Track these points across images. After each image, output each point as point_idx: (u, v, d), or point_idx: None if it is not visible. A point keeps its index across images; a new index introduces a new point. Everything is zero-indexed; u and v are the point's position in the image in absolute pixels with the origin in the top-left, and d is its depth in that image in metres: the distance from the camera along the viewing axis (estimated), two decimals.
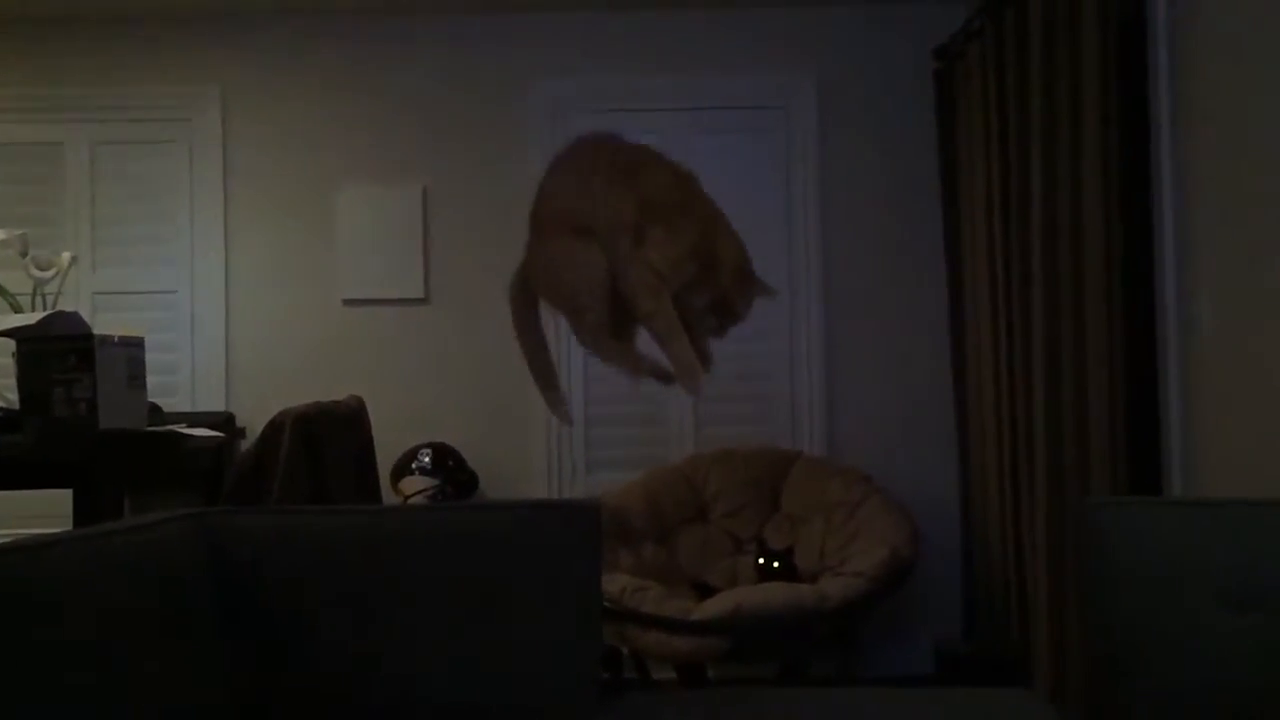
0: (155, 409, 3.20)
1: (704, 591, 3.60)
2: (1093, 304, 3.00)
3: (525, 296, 2.20)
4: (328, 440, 2.90)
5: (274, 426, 2.75)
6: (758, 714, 1.91)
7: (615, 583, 3.41)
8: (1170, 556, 1.99)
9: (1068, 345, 3.09)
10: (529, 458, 4.28)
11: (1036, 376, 3.21)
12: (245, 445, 3.86)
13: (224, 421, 3.89)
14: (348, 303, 4.30)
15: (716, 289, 1.91)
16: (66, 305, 3.11)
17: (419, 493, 3.87)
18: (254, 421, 3.66)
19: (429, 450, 3.98)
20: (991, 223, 3.62)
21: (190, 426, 3.07)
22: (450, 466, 3.98)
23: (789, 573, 3.59)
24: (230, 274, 4.31)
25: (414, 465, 3.94)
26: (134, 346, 2.70)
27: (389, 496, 3.90)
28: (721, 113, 4.33)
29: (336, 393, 3.60)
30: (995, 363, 3.63)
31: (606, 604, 3.24)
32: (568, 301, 2.08)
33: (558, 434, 4.28)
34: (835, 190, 4.31)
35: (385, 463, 3.83)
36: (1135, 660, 1.97)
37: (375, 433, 3.51)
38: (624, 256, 1.95)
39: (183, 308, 4.31)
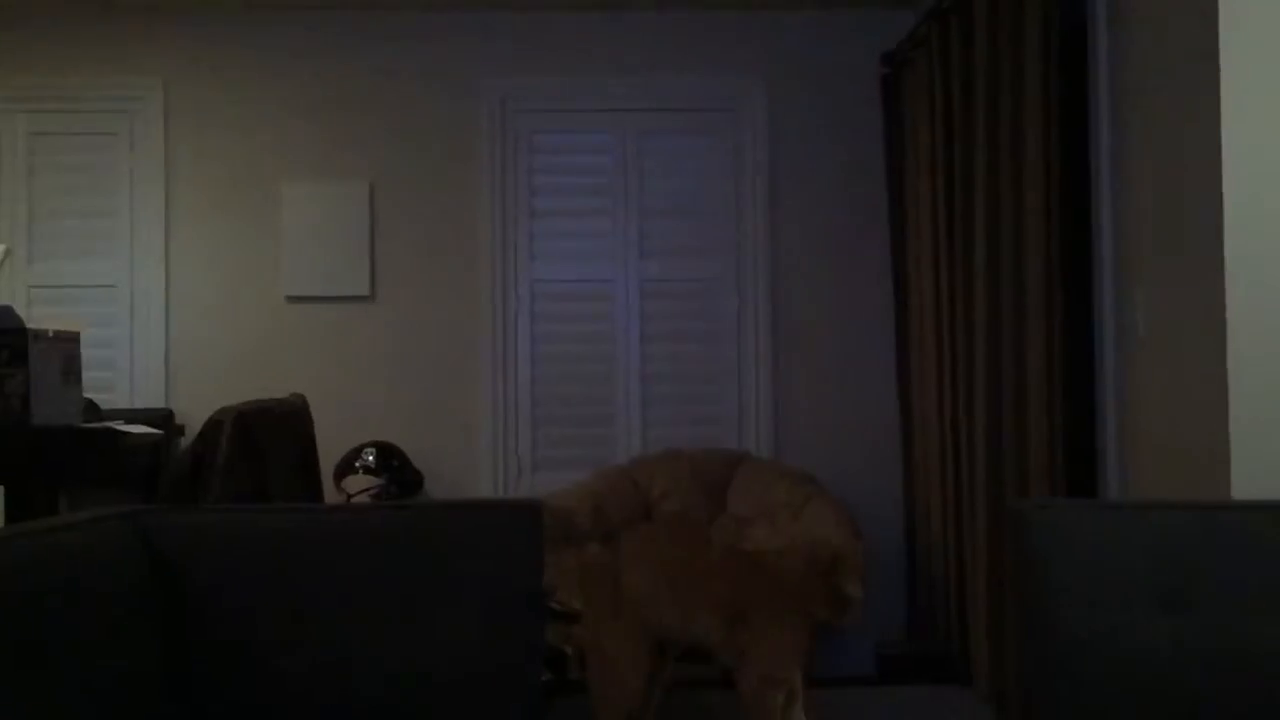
0: (91, 405, 3.14)
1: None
2: (1033, 310, 3.05)
3: None
4: (269, 438, 2.86)
5: (213, 424, 2.71)
6: (700, 713, 1.91)
7: (559, 583, 3.39)
8: (1103, 558, 2.03)
9: (1008, 350, 3.14)
10: (474, 457, 4.26)
11: (978, 381, 3.25)
12: (185, 443, 3.80)
13: (163, 419, 3.83)
14: (291, 299, 4.25)
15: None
16: (0, 299, 3.04)
17: (362, 492, 3.83)
18: (194, 419, 3.60)
19: (373, 449, 3.95)
20: (936, 228, 3.66)
21: (127, 423, 3.02)
22: (394, 465, 3.95)
23: None
24: (171, 269, 4.24)
25: (357, 464, 3.91)
26: (69, 342, 2.65)
27: (332, 495, 3.86)
28: (671, 114, 4.34)
29: (279, 390, 3.57)
30: (938, 367, 3.67)
31: (551, 604, 3.22)
32: None
33: (503, 433, 4.26)
34: (784, 193, 4.33)
35: (328, 462, 3.79)
36: (1068, 659, 2.00)
37: (318, 431, 3.47)
38: None
39: (122, 302, 4.23)
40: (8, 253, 3.22)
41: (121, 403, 4.07)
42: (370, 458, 3.93)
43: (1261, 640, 1.96)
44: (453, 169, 4.28)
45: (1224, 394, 2.36)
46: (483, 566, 2.06)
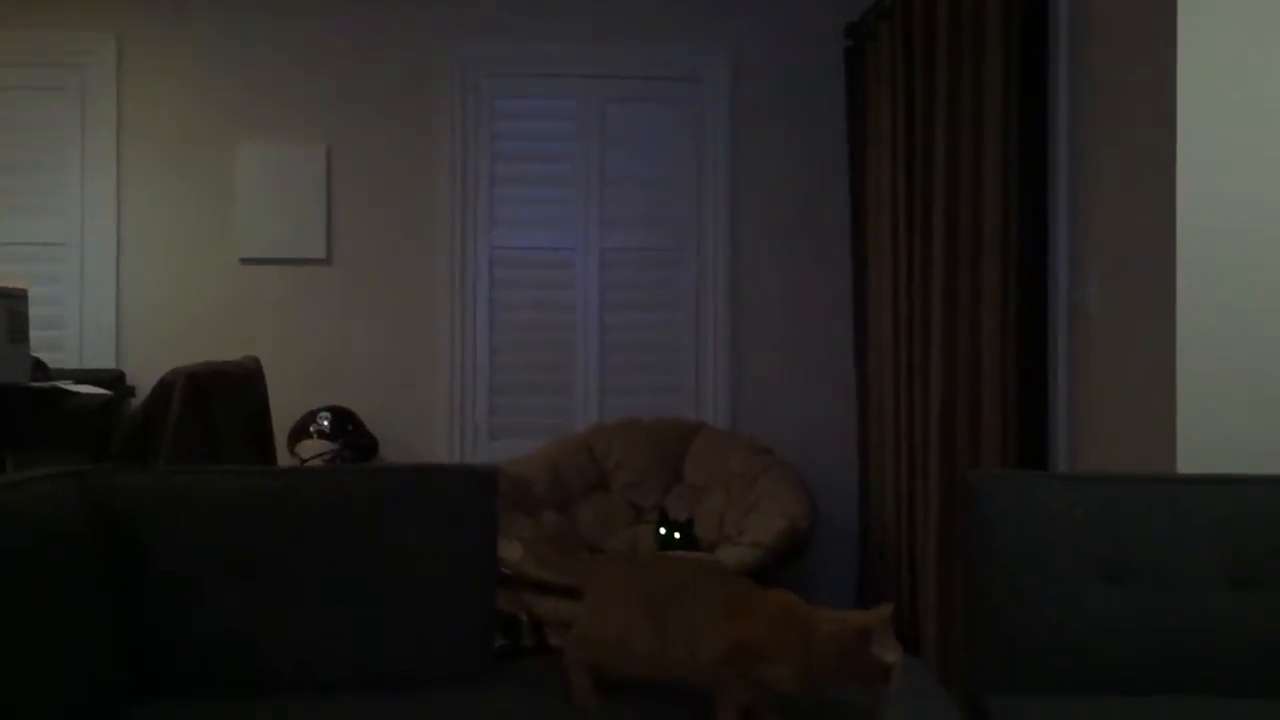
0: (39, 365, 3.09)
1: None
2: (988, 285, 3.08)
3: None
4: (221, 401, 2.83)
5: (164, 385, 2.68)
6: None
7: (514, 550, 3.40)
8: (1050, 528, 2.06)
9: (963, 324, 3.17)
10: (431, 423, 4.24)
11: (933, 353, 3.28)
12: (135, 404, 3.75)
13: (113, 379, 3.77)
14: (246, 261, 4.20)
15: None
16: None
17: (317, 456, 3.81)
18: (145, 380, 3.55)
19: (328, 413, 3.92)
20: (896, 202, 3.68)
21: (76, 384, 2.97)
22: (349, 430, 3.93)
23: (689, 543, 3.62)
24: (123, 227, 4.17)
25: (312, 428, 3.88)
26: (16, 299, 2.60)
27: (285, 460, 3.83)
28: (634, 82, 4.32)
29: (233, 353, 3.52)
30: (895, 339, 3.70)
31: (505, 571, 3.23)
32: None
33: (460, 400, 4.25)
34: (745, 164, 4.33)
35: (282, 426, 3.76)
36: (1013, 627, 2.04)
37: (272, 395, 3.44)
38: None
39: (71, 261, 4.16)
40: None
41: (71, 363, 4.01)
42: (325, 422, 3.90)
43: (1198, 608, 2.00)
44: (412, 134, 4.23)
45: (1171, 371, 2.39)
46: (438, 531, 2.06)
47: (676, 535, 3.62)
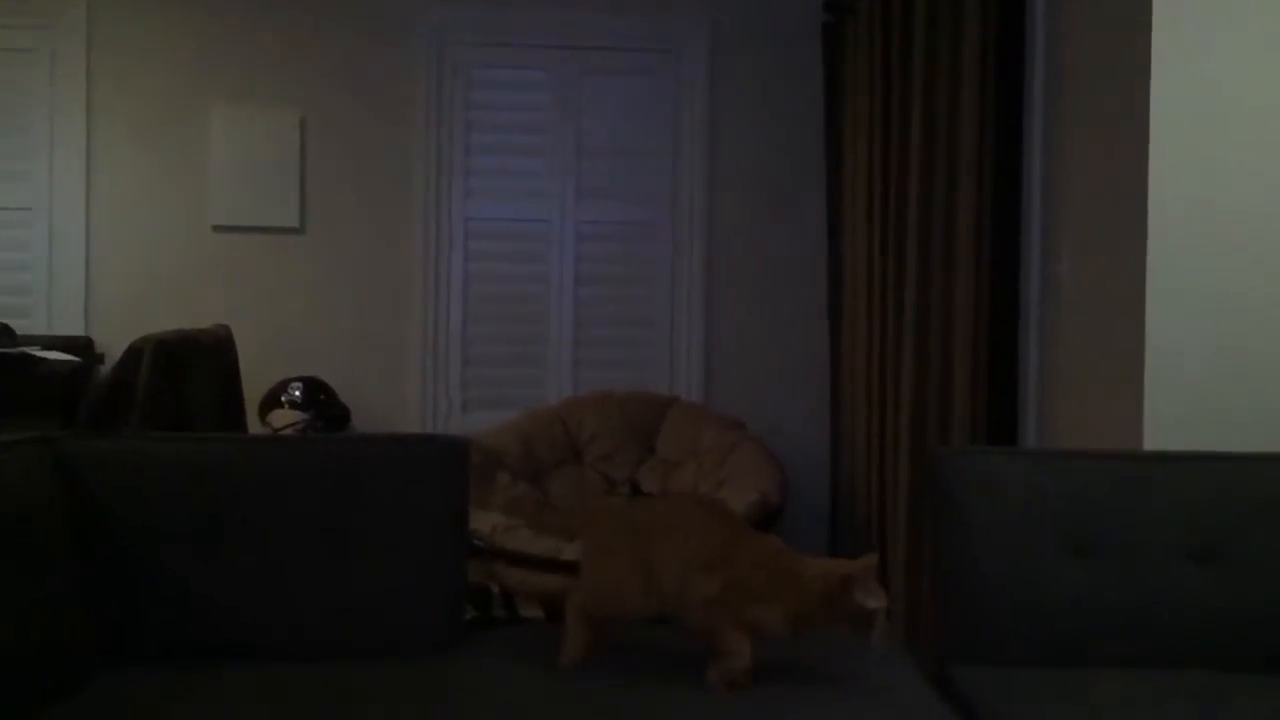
0: (6, 330, 3.06)
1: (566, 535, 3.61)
2: (963, 261, 3.09)
3: None
4: (191, 368, 2.82)
5: (133, 352, 2.66)
6: (617, 649, 1.94)
7: (486, 521, 3.41)
8: (1018, 504, 2.08)
9: (937, 300, 3.18)
10: (403, 395, 4.23)
11: (906, 329, 3.29)
12: (105, 371, 3.72)
13: (82, 346, 3.74)
14: (218, 229, 4.16)
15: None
16: None
17: (288, 426, 3.79)
18: (115, 347, 3.52)
19: (300, 383, 3.90)
20: (871, 178, 3.68)
21: (45, 350, 2.95)
22: (321, 401, 3.91)
23: None
24: (92, 192, 4.12)
25: (284, 398, 3.85)
26: None
27: (256, 429, 3.81)
28: (610, 54, 4.30)
29: (203, 321, 3.50)
30: (868, 314, 3.71)
31: (477, 542, 3.23)
32: None
33: (433, 371, 4.23)
34: (721, 138, 4.32)
35: (254, 396, 3.74)
36: (980, 601, 2.06)
37: (244, 364, 3.43)
38: None
39: (39, 226, 4.11)
40: None
41: (39, 329, 3.96)
42: (297, 392, 3.88)
43: (1161, 583, 2.03)
44: (387, 103, 4.20)
45: (1140, 349, 2.42)
46: (408, 501, 2.06)
47: None
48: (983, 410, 3.09)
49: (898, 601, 3.32)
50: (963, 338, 3.09)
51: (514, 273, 4.29)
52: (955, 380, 3.12)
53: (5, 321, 3.30)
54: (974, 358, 3.08)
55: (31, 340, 3.33)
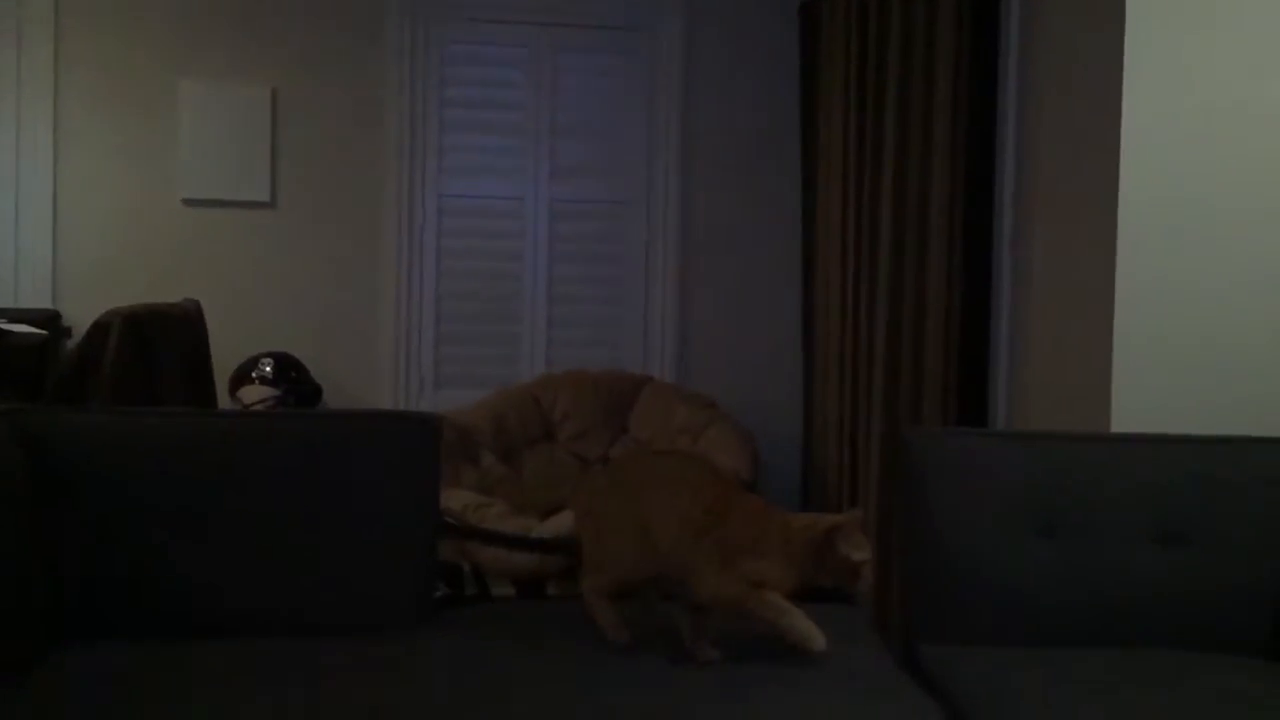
0: None
1: (547, 511, 3.62)
2: (935, 243, 3.11)
3: None
4: (160, 343, 2.79)
5: (100, 327, 2.63)
6: (580, 622, 1.95)
7: (458, 499, 3.40)
8: (986, 485, 2.10)
9: (910, 282, 3.20)
10: (376, 372, 4.21)
11: (878, 310, 3.31)
12: (72, 345, 3.68)
13: (49, 319, 3.70)
14: (188, 202, 4.11)
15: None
16: None
17: (259, 402, 3.76)
18: (83, 321, 3.47)
19: (270, 359, 3.87)
20: (846, 159, 3.68)
21: (11, 323, 2.91)
22: (292, 377, 3.88)
23: None
24: (60, 164, 4.06)
25: (254, 374, 3.83)
26: None
27: (226, 405, 3.79)
28: (585, 31, 4.27)
29: (172, 296, 3.47)
30: (842, 296, 3.72)
31: (449, 520, 3.23)
32: None
33: (406, 348, 4.21)
34: (696, 116, 4.31)
35: (224, 371, 3.72)
36: (949, 581, 2.08)
37: (214, 340, 3.40)
38: None
39: (6, 199, 4.04)
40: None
41: (5, 302, 3.91)
42: (268, 368, 3.85)
43: (1126, 564, 2.06)
44: (360, 77, 4.16)
45: (1109, 333, 2.44)
46: (379, 477, 2.05)
47: None
48: (954, 391, 3.11)
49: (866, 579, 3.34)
50: (935, 319, 3.11)
51: (487, 250, 4.27)
52: (927, 362, 3.14)
53: None
54: (945, 339, 3.10)
55: None
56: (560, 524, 3.31)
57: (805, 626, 1.77)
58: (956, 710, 1.76)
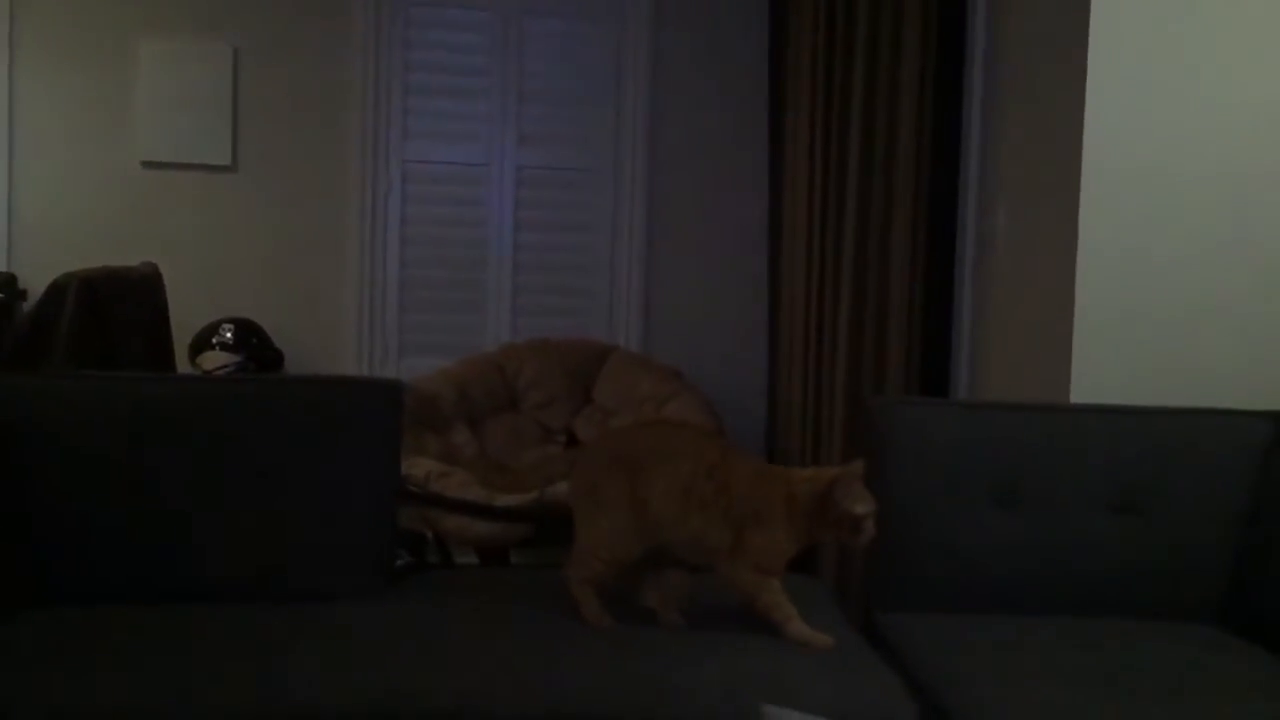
0: None
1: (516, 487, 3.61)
2: (900, 215, 3.12)
3: None
4: (117, 306, 2.75)
5: (56, 289, 2.59)
6: (540, 590, 1.95)
7: (420, 467, 3.39)
8: (946, 455, 2.12)
9: (874, 253, 3.21)
10: (339, 339, 4.17)
11: (844, 281, 3.32)
12: (27, 308, 3.62)
13: (4, 282, 3.63)
14: (147, 165, 4.04)
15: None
16: None
17: (220, 369, 3.72)
18: (38, 284, 3.42)
19: (231, 325, 3.82)
20: (813, 131, 3.67)
21: None
22: (254, 343, 3.84)
23: None
24: (15, 126, 3.98)
25: (214, 340, 3.78)
26: None
27: (187, 372, 3.74)
28: None
29: (131, 259, 3.41)
30: (807, 266, 3.72)
31: (411, 488, 3.22)
32: None
33: (370, 316, 4.18)
34: (664, 84, 4.28)
35: (183, 337, 3.67)
36: (909, 550, 2.09)
37: (174, 305, 3.35)
38: None
39: None
40: None
41: None
42: (228, 334, 3.81)
43: (1082, 532, 2.08)
44: (323, 38, 4.09)
45: (1070, 305, 2.46)
46: (340, 444, 2.04)
47: None
48: (916, 362, 3.13)
49: (828, 550, 3.37)
50: (899, 291, 3.12)
51: (453, 216, 4.23)
52: (890, 332, 3.16)
53: None
54: (909, 311, 3.11)
55: None
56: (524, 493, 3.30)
57: (806, 633, 1.78)
58: (913, 678, 1.78)
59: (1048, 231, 2.60)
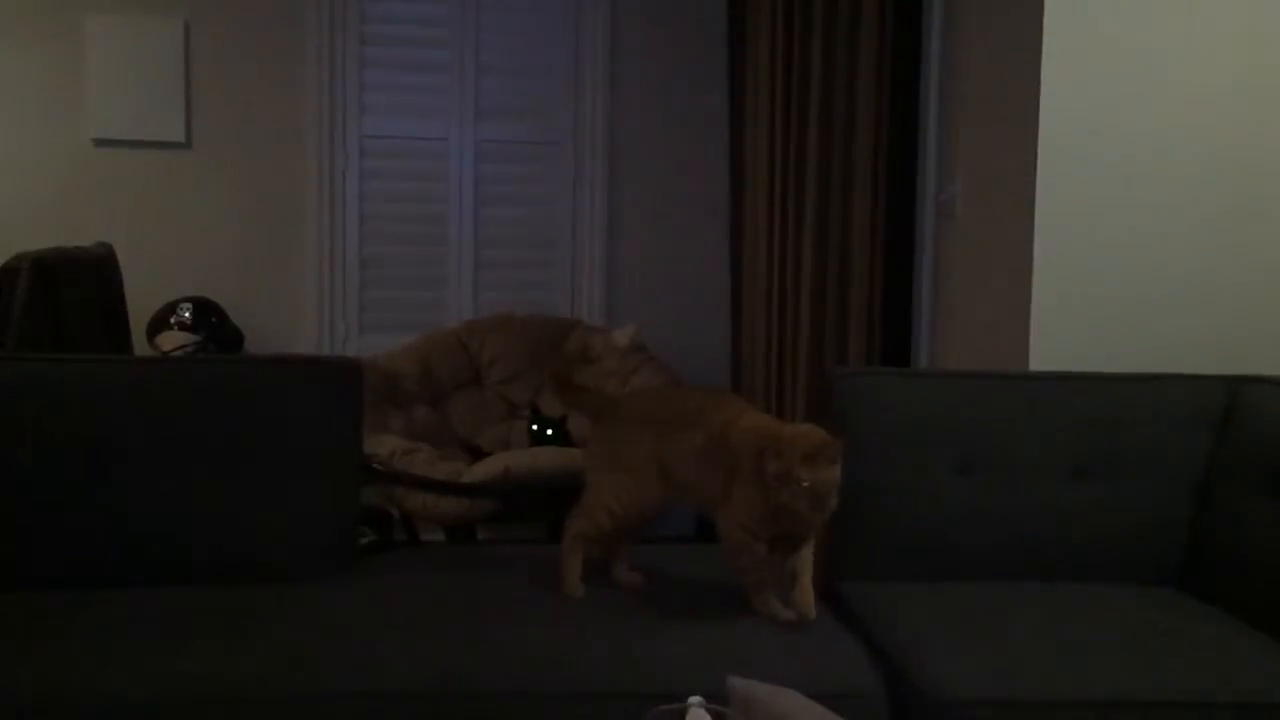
0: None
1: (476, 455, 3.61)
2: (860, 185, 3.13)
3: None
4: (70, 287, 2.71)
5: (7, 271, 2.55)
6: (508, 565, 1.95)
7: (385, 444, 3.37)
8: (907, 424, 2.13)
9: (835, 223, 3.22)
10: (299, 317, 4.13)
11: (805, 252, 3.33)
12: None
13: None
14: (99, 143, 3.97)
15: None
16: None
17: (178, 349, 3.68)
18: None
19: (190, 304, 3.77)
20: (774, 98, 3.67)
21: None
22: (213, 323, 3.80)
23: (563, 439, 3.64)
24: None
25: (172, 319, 3.73)
26: None
27: (144, 352, 3.69)
28: None
29: (84, 240, 3.36)
30: (769, 238, 3.73)
31: (376, 466, 3.20)
32: None
33: (330, 293, 4.14)
34: (623, 56, 4.25)
35: (140, 318, 3.62)
36: (870, 519, 2.11)
37: (129, 285, 3.31)
38: None
39: None
40: None
41: None
42: (186, 314, 3.76)
43: (1041, 499, 2.11)
44: (277, 11, 4.02)
45: (1028, 274, 2.48)
46: (301, 423, 2.02)
47: (549, 431, 3.64)
48: (878, 332, 3.15)
49: None
50: (860, 261, 3.14)
51: (412, 192, 4.19)
52: (852, 303, 3.17)
53: None
54: (870, 281, 3.13)
55: None
56: (489, 469, 3.30)
57: (773, 607, 1.80)
58: (876, 645, 1.80)
59: (1006, 200, 2.61)
